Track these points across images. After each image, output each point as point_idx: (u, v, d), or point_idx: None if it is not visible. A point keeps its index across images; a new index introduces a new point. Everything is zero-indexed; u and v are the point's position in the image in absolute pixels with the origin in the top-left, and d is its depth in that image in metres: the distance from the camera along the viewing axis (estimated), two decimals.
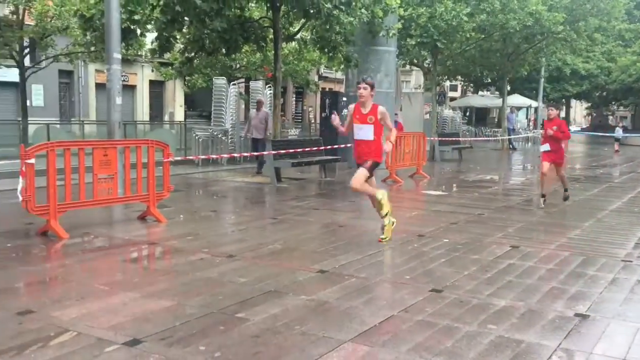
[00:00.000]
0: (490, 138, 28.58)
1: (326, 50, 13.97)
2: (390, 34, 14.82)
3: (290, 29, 15.25)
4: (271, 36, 13.85)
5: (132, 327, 3.93)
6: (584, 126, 60.40)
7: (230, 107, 17.13)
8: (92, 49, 17.40)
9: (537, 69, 30.24)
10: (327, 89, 32.59)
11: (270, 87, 16.98)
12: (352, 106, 6.82)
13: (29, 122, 19.25)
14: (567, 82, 39.42)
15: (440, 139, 19.40)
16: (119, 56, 9.59)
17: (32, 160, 6.39)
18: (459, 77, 36.72)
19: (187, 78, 24.25)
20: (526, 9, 19.55)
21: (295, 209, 9.02)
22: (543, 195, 9.64)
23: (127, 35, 11.81)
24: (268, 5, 13.50)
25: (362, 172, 6.55)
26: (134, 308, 4.32)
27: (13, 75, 20.69)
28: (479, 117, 43.99)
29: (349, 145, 10.98)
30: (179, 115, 30.72)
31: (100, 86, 25.59)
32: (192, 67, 16.42)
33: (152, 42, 13.61)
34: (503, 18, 19.39)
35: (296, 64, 23.83)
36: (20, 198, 6.42)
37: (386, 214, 6.70)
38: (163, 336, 3.79)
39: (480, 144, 27.23)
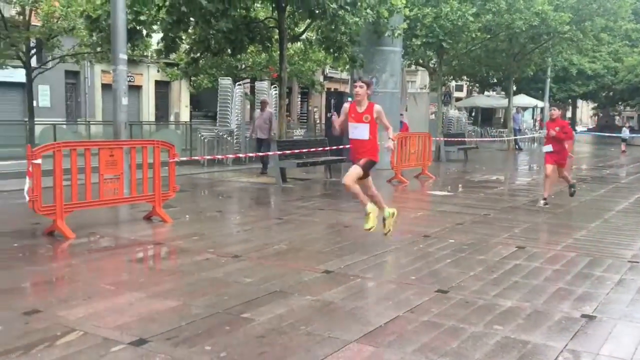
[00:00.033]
0: (496, 138, 28.50)
1: (331, 50, 13.97)
2: (396, 34, 14.80)
3: (296, 29, 15.26)
4: (276, 36, 13.87)
5: (138, 327, 3.94)
6: (591, 126, 60.13)
7: (236, 107, 17.16)
8: (98, 49, 17.48)
9: (543, 69, 30.11)
10: (332, 90, 32.61)
11: (275, 87, 16.99)
12: (347, 104, 6.77)
13: (36, 122, 19.34)
14: (573, 82, 39.24)
15: (445, 139, 19.35)
16: (125, 57, 9.61)
17: (39, 161, 6.42)
18: (465, 77, 36.62)
19: (192, 78, 24.35)
20: (532, 8, 19.48)
21: (300, 210, 9.02)
22: (545, 199, 9.56)
23: (133, 36, 11.86)
24: (273, 5, 13.52)
25: (355, 170, 6.46)
26: (140, 308, 4.33)
27: (20, 75, 20.79)
28: (485, 117, 43.84)
29: None
30: (185, 116, 30.80)
31: (106, 87, 25.70)
32: (197, 68, 16.47)
33: (157, 43, 13.65)
34: (509, 18, 19.32)
35: (301, 64, 23.87)
36: (27, 198, 6.45)
37: (389, 215, 6.67)
38: (169, 336, 3.80)
39: (486, 144, 27.15)
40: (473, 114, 42.22)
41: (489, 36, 21.46)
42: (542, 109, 35.53)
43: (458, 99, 43.75)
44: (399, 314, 4.32)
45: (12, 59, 19.14)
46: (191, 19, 12.42)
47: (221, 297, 4.61)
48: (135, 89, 28.25)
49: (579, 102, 52.81)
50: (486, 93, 43.89)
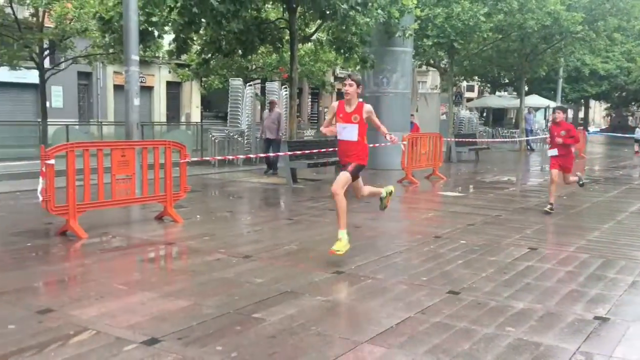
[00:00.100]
0: (508, 139, 28.34)
1: (342, 51, 13.97)
2: (407, 35, 14.77)
3: (307, 29, 15.27)
4: (287, 37, 13.88)
5: (150, 327, 3.96)
6: (603, 127, 59.63)
7: (246, 108, 17.20)
8: (111, 50, 17.58)
9: (555, 69, 29.91)
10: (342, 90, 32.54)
11: (286, 88, 17.01)
12: (335, 103, 6.25)
13: (49, 123, 19.47)
14: (586, 83, 38.97)
15: (457, 139, 19.29)
16: (137, 58, 9.68)
17: (52, 161, 6.48)
18: (476, 78, 36.46)
19: (203, 79, 24.42)
20: (544, 8, 19.37)
21: (311, 210, 9.03)
22: (550, 204, 9.10)
23: (145, 37, 11.90)
24: (284, 6, 13.53)
25: (344, 176, 5.95)
26: (151, 307, 4.35)
27: (33, 76, 20.97)
28: (496, 117, 43.60)
29: None
30: (196, 116, 30.91)
31: (118, 87, 25.87)
32: (208, 69, 16.53)
33: (169, 44, 13.72)
34: (521, 18, 19.23)
35: (312, 64, 23.85)
36: (40, 198, 6.51)
37: (386, 195, 6.62)
38: (180, 336, 3.82)
39: (498, 145, 27.01)
40: (484, 114, 42.01)
41: (500, 36, 21.37)
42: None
43: (469, 100, 43.52)
44: (410, 315, 4.31)
45: (25, 60, 19.31)
46: (202, 20, 12.47)
47: (232, 297, 4.62)
48: (146, 90, 28.40)
49: (592, 103, 52.46)
50: (498, 93, 43.65)
